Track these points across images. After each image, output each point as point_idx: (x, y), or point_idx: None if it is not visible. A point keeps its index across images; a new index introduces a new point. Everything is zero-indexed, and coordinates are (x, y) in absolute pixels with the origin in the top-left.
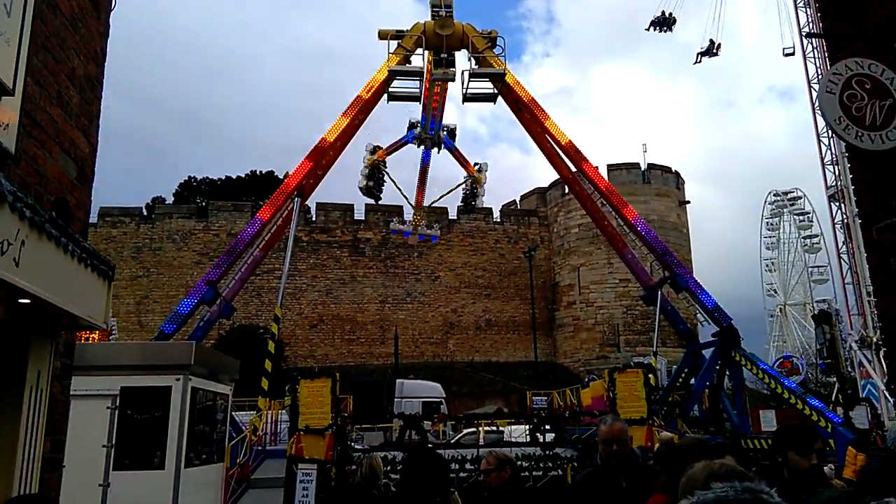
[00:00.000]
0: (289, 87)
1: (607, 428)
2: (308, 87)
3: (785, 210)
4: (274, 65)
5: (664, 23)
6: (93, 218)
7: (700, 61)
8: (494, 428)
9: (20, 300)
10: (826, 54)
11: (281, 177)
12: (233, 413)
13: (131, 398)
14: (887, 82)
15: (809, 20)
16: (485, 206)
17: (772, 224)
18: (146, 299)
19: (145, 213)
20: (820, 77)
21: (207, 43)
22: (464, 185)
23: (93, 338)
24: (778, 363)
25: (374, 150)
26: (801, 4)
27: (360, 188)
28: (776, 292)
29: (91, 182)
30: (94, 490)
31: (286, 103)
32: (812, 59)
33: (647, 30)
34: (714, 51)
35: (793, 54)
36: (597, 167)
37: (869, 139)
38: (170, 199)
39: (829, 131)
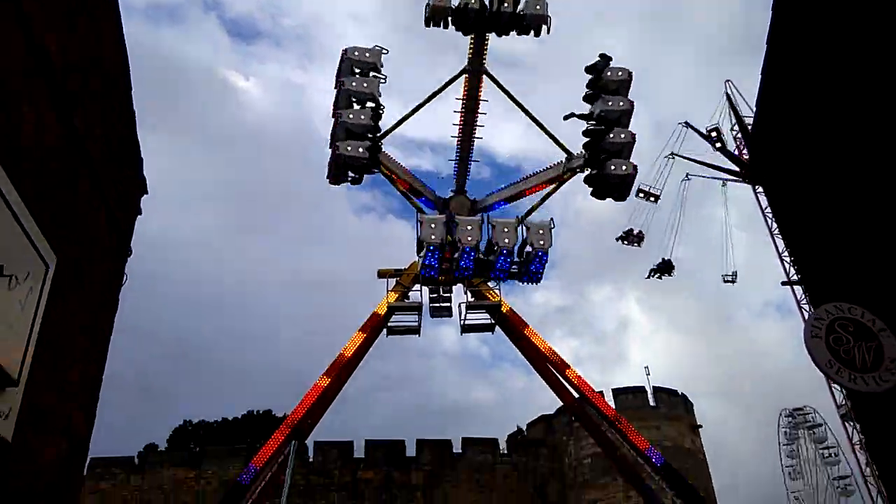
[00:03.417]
0: (287, 317)
1: None
2: (306, 317)
3: (800, 430)
4: (273, 295)
5: (632, 238)
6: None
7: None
8: None
9: None
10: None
11: (279, 416)
12: None
13: None
14: (869, 324)
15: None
16: (490, 437)
17: (792, 451)
18: None
19: (137, 462)
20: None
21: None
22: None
23: None
24: None
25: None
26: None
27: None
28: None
29: (84, 460)
30: None
31: (285, 335)
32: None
33: (617, 241)
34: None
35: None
36: (601, 392)
37: (863, 381)
38: (163, 446)
39: None
